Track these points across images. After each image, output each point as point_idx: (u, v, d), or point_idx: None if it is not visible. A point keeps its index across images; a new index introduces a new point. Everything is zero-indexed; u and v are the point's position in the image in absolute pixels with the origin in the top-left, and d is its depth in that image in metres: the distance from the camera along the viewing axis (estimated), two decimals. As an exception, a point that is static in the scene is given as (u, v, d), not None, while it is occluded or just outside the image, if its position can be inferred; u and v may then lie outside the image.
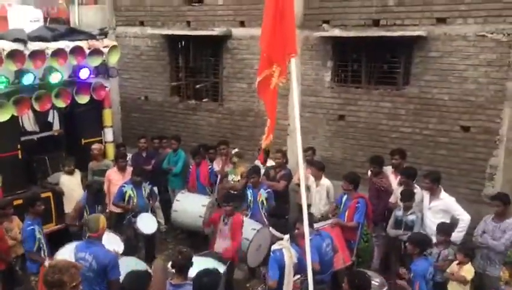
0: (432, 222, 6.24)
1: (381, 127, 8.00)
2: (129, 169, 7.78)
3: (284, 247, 5.18)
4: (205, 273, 4.12)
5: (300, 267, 5.29)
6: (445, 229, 5.97)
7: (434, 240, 6.04)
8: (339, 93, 8.34)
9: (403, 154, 7.21)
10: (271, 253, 5.26)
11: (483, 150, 7.22)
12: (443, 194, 6.39)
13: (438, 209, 6.35)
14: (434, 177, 6.43)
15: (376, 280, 5.74)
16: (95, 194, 6.71)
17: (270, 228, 5.74)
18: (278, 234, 5.41)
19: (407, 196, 6.42)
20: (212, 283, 3.95)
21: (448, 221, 6.28)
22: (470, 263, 5.75)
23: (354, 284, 4.23)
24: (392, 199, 6.95)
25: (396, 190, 6.87)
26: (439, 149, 7.56)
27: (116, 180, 7.66)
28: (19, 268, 6.27)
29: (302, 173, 5.19)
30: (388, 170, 7.24)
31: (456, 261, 5.81)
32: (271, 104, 4.59)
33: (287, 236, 5.29)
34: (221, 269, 5.90)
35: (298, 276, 5.49)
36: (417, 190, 6.66)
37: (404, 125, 7.80)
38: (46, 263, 5.55)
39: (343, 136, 8.40)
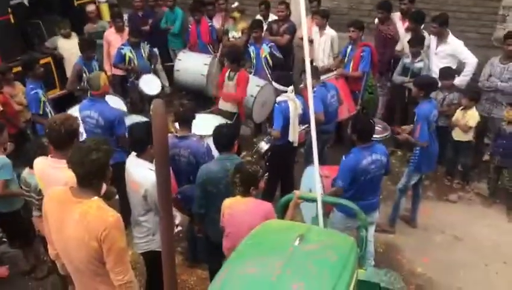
0: (437, 68, 6.12)
1: (390, -29, 7.45)
2: (127, 29, 7.53)
3: (289, 98, 5.19)
4: (223, 125, 4.23)
5: (305, 118, 5.35)
6: (449, 73, 5.91)
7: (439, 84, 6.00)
8: None
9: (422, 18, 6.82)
10: (275, 104, 5.29)
11: (498, -10, 6.81)
12: (450, 38, 6.17)
13: (444, 54, 6.20)
14: (442, 21, 6.16)
15: (379, 125, 5.85)
16: (87, 48, 6.45)
17: (274, 82, 5.69)
18: (281, 87, 5.39)
19: (417, 41, 6.21)
20: (231, 133, 4.01)
21: (454, 66, 6.17)
22: (474, 107, 5.78)
23: (356, 128, 4.28)
24: (398, 47, 6.77)
25: (404, 37, 6.65)
26: (450, -8, 7.14)
27: (114, 41, 7.44)
28: (30, 132, 6.40)
29: (304, 22, 4.98)
30: (396, 16, 6.93)
31: (461, 107, 5.84)
32: None
33: (291, 87, 5.27)
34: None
35: (304, 126, 5.61)
36: (425, 35, 6.43)
37: (414, -33, 7.25)
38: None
39: (349, -16, 7.90)
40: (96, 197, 2.66)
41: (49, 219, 2.76)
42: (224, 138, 3.96)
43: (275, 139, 5.36)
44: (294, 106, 5.20)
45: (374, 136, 4.53)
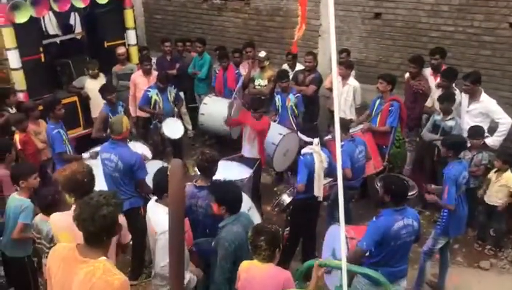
0: (469, 126, 5.89)
1: (421, 26, 7.38)
2: (154, 73, 7.58)
3: (314, 151, 5.03)
4: (227, 183, 3.99)
5: (330, 172, 5.17)
6: (478, 132, 5.69)
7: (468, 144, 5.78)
8: (375, -12, 7.66)
9: (443, 54, 6.68)
10: (300, 156, 5.13)
11: (532, 50, 6.63)
12: (483, 96, 5.96)
13: (477, 112, 5.97)
14: (474, 78, 5.97)
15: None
16: (103, 91, 6.51)
17: (299, 133, 5.57)
18: (307, 138, 5.24)
19: (447, 98, 6.01)
20: (239, 191, 3.83)
21: (487, 125, 5.95)
22: (509, 170, 5.52)
23: (390, 189, 4.00)
24: (428, 103, 6.57)
25: (434, 92, 6.47)
26: (483, 49, 6.97)
27: (141, 84, 7.50)
28: (50, 171, 6.35)
29: (335, 75, 4.88)
30: (426, 71, 6.78)
31: (494, 169, 5.59)
32: None
33: (316, 140, 5.13)
34: (248, 172, 5.86)
35: (329, 180, 5.41)
36: (456, 92, 6.25)
37: (447, 23, 7.14)
38: (84, 154, 5.65)
39: (379, 36, 7.83)
40: (103, 258, 2.50)
41: (52, 277, 2.60)
42: (234, 197, 3.75)
43: (298, 193, 5.16)
44: (320, 159, 5.03)
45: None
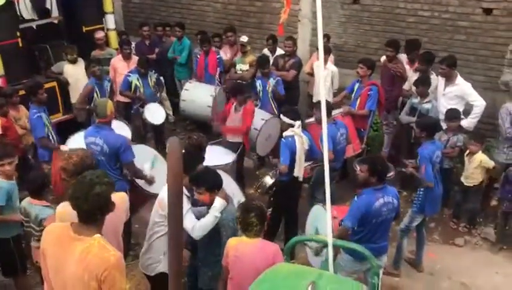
0: (445, 109, 6.07)
1: (398, 11, 7.53)
2: (134, 57, 7.55)
3: (296, 134, 5.13)
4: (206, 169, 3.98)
5: (311, 154, 5.28)
6: (455, 115, 5.87)
7: (444, 126, 5.97)
8: (353, -27, 7.76)
9: (416, 46, 6.90)
10: (282, 139, 5.22)
11: (505, 34, 6.82)
12: (459, 80, 6.14)
13: (452, 95, 6.15)
14: (450, 62, 6.15)
15: None
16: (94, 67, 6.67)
17: (281, 115, 5.65)
18: (289, 120, 5.33)
19: (423, 81, 6.18)
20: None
21: (462, 108, 6.14)
22: (480, 151, 5.74)
23: (377, 170, 4.12)
24: (406, 86, 6.75)
25: (411, 76, 6.64)
26: (458, 34, 7.17)
27: (121, 68, 7.48)
28: (31, 156, 6.31)
29: (322, 59, 4.97)
30: (403, 57, 6.94)
31: (466, 152, 5.79)
32: None
33: (298, 122, 5.22)
34: (231, 157, 5.94)
35: (309, 163, 5.53)
36: (433, 76, 6.42)
37: (423, 9, 7.31)
38: (64, 147, 5.59)
39: (358, 22, 7.95)
40: (98, 235, 2.54)
41: (48, 257, 2.62)
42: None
43: (280, 174, 5.27)
44: (301, 142, 5.13)
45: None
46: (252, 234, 3.31)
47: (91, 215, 2.55)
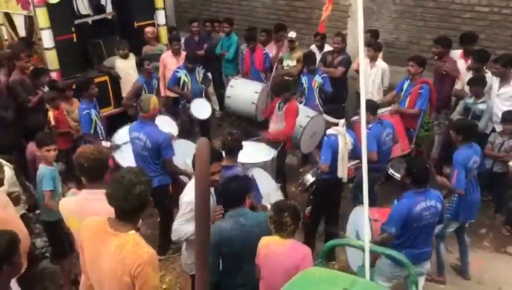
0: (500, 110, 5.78)
1: (454, 7, 7.22)
2: (183, 53, 7.64)
3: (339, 132, 5.03)
4: (233, 179, 3.85)
5: (355, 153, 5.16)
6: (510, 117, 5.55)
7: (499, 128, 5.65)
8: (407, -33, 7.49)
9: (474, 39, 6.55)
10: (325, 137, 5.13)
11: None
12: (515, 79, 5.81)
13: (507, 96, 5.83)
14: (505, 61, 5.81)
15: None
16: (148, 65, 6.75)
17: (324, 114, 5.55)
18: (332, 119, 5.23)
19: (477, 81, 5.88)
20: (240, 188, 3.68)
21: (519, 110, 5.80)
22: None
23: (411, 171, 4.00)
24: (458, 86, 6.44)
25: (465, 75, 6.33)
26: (519, 31, 6.79)
27: (170, 64, 7.58)
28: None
29: (362, 57, 4.80)
30: (456, 53, 6.63)
31: None
32: None
33: (342, 121, 5.11)
34: (272, 153, 5.90)
35: (354, 162, 5.40)
36: (488, 75, 6.10)
37: (481, 4, 6.97)
38: (104, 143, 5.76)
39: (410, 18, 7.69)
40: (133, 231, 2.59)
41: (85, 250, 2.71)
42: (231, 193, 3.66)
43: (322, 173, 5.18)
44: (344, 141, 5.02)
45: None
46: (285, 234, 3.27)
47: (130, 214, 2.60)
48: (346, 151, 5.03)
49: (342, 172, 5.11)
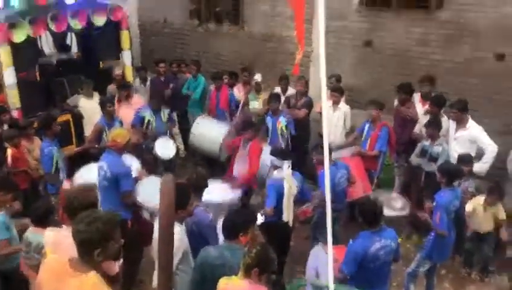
0: (456, 153, 5.99)
1: (410, 54, 7.60)
2: (135, 96, 7.68)
3: (283, 176, 5.04)
4: (238, 211, 3.93)
5: (303, 197, 5.20)
6: (465, 159, 5.74)
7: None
8: (366, 17, 7.88)
9: (432, 81, 6.88)
10: (270, 181, 5.15)
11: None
12: (470, 123, 6.08)
13: (464, 139, 6.08)
14: (461, 106, 6.10)
15: (399, 201, 5.80)
16: (110, 107, 6.62)
17: (269, 155, 5.55)
18: (277, 162, 5.21)
19: (433, 124, 6.13)
20: (240, 222, 3.65)
21: (474, 152, 6.05)
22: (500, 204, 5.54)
23: (362, 211, 4.07)
24: (416, 129, 6.70)
25: (422, 118, 6.60)
26: (470, 78, 7.16)
27: (135, 104, 7.58)
28: (42, 188, 6.36)
29: (324, 99, 4.93)
30: (415, 97, 6.93)
31: (482, 201, 5.56)
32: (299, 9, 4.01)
33: (286, 163, 5.11)
34: (237, 193, 5.89)
35: (307, 204, 5.45)
36: (444, 119, 6.38)
37: (435, 52, 7.37)
38: (66, 185, 5.63)
39: (370, 64, 8.03)
40: (93, 273, 2.52)
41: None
42: (229, 224, 3.64)
43: (267, 216, 5.15)
44: (288, 185, 5.05)
45: (391, 213, 4.30)
46: (243, 273, 3.22)
47: (88, 250, 2.54)
48: (291, 196, 5.06)
49: (287, 216, 5.11)
